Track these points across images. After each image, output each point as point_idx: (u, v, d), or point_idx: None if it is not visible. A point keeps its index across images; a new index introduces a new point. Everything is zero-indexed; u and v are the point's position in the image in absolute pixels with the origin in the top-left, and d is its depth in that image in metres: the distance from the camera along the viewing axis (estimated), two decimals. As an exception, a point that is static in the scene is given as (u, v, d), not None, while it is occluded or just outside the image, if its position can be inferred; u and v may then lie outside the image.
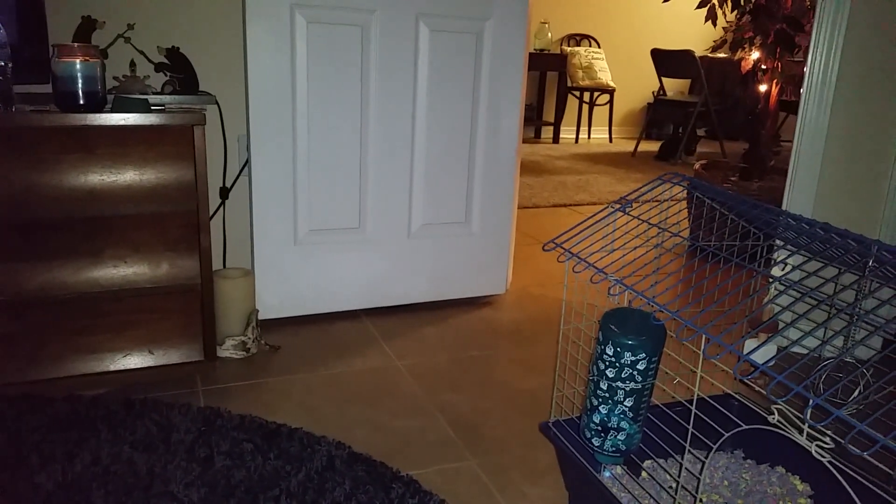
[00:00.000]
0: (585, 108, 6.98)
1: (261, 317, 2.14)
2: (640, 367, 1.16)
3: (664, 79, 6.17)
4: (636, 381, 1.16)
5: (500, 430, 1.69)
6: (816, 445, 0.83)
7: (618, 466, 1.38)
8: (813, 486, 1.37)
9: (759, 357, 0.91)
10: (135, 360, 1.76)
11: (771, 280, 1.18)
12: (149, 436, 1.53)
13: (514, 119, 2.36)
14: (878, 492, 1.06)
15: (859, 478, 1.17)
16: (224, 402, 1.74)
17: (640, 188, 1.37)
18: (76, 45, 1.61)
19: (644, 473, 1.40)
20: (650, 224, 1.34)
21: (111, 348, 1.73)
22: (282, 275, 2.17)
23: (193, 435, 1.54)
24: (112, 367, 1.74)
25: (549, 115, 6.86)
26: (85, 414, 1.60)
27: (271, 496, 1.34)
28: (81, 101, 1.60)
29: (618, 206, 1.37)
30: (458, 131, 2.29)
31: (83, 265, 1.67)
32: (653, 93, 6.53)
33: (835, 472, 0.87)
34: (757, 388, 1.83)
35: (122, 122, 1.61)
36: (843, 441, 0.77)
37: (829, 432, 0.83)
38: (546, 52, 6.40)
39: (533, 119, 6.76)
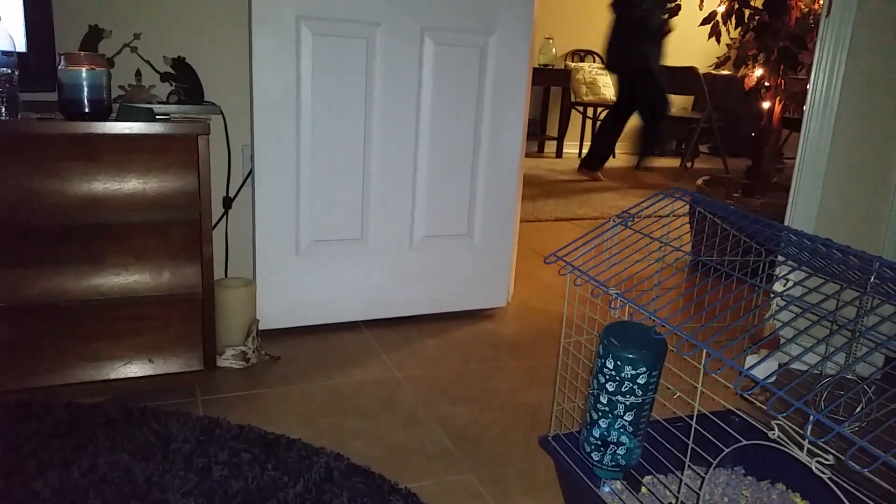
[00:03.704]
0: (589, 123, 6.99)
1: (261, 327, 2.14)
2: (641, 381, 1.15)
3: (668, 95, 6.18)
4: (636, 395, 1.16)
5: (500, 443, 1.68)
6: (817, 462, 0.83)
7: (617, 481, 1.37)
8: (813, 503, 1.36)
9: (760, 372, 0.91)
10: (134, 369, 1.76)
11: (772, 295, 1.18)
12: (147, 444, 1.52)
13: (517, 133, 2.37)
14: (879, 510, 1.06)
15: (860, 495, 1.16)
16: (223, 411, 1.73)
17: (642, 202, 1.38)
18: (83, 53, 1.62)
19: (644, 489, 1.39)
20: (652, 238, 1.34)
21: (111, 356, 1.73)
22: (283, 285, 2.17)
23: (192, 444, 1.53)
24: (112, 376, 1.74)
25: (552, 129, 6.88)
26: (83, 422, 1.60)
27: (269, 507, 1.34)
28: (87, 110, 1.61)
29: (619, 219, 1.37)
30: (462, 144, 2.30)
31: (85, 272, 1.67)
32: (656, 109, 6.54)
33: (835, 488, 0.86)
34: (758, 404, 1.82)
35: (126, 131, 1.62)
36: (843, 457, 0.77)
37: (830, 449, 0.83)
38: (550, 67, 6.42)
39: (536, 134, 6.77)
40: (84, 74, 1.59)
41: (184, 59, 1.96)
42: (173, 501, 1.34)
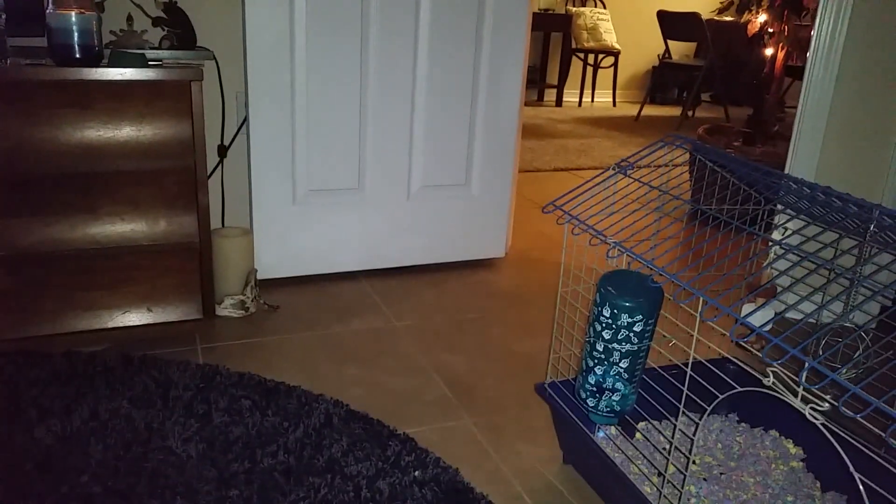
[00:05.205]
0: (590, 70, 6.90)
1: (259, 276, 2.14)
2: (637, 328, 1.16)
3: (670, 41, 6.08)
4: (632, 343, 1.16)
5: (497, 390, 1.70)
6: (810, 408, 0.83)
7: (612, 427, 1.39)
8: (806, 450, 1.38)
9: (757, 320, 0.91)
10: (133, 318, 1.76)
11: (770, 244, 1.17)
12: (147, 392, 1.54)
13: (516, 80, 2.33)
14: (871, 455, 1.07)
15: (853, 441, 1.18)
16: (222, 359, 1.74)
17: (642, 151, 1.36)
18: (71, -4, 1.58)
19: (638, 434, 1.41)
20: (651, 187, 1.33)
21: (109, 305, 1.73)
22: (280, 234, 2.16)
23: (192, 391, 1.55)
24: (110, 324, 1.74)
25: (552, 77, 6.78)
26: (83, 370, 1.61)
27: (269, 452, 1.36)
28: (77, 55, 1.58)
29: (618, 168, 1.36)
30: (459, 92, 2.26)
31: (80, 221, 1.66)
32: (658, 56, 6.44)
33: (827, 434, 0.87)
34: (754, 352, 1.83)
35: (118, 77, 1.59)
36: (836, 404, 0.77)
37: (824, 396, 0.83)
38: (551, 11, 6.30)
39: (536, 81, 6.68)
40: (74, 18, 1.55)
41: (176, 3, 1.91)
42: (174, 447, 1.36)
